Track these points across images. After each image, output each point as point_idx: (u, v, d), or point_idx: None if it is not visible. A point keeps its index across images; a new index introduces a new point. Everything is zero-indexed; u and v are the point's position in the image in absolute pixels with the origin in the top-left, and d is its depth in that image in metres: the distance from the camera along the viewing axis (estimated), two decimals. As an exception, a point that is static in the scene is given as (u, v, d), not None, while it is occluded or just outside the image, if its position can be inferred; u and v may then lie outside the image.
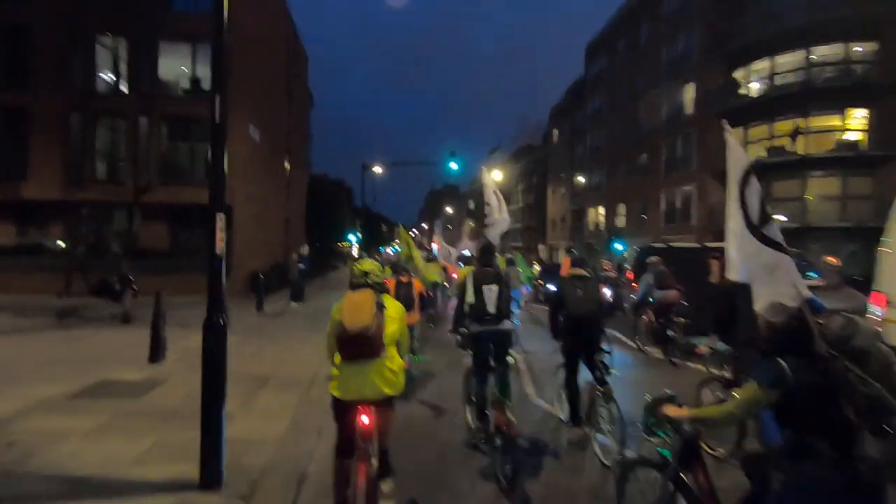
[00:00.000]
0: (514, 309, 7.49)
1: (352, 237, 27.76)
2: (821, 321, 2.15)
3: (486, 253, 5.04)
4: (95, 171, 17.61)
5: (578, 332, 4.67)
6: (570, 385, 4.73)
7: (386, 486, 3.36)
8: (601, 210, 38.41)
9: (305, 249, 16.16)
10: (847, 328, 2.04)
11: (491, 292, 4.54)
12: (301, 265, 15.67)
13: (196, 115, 17.65)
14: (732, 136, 3.18)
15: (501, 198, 7.23)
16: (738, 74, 24.66)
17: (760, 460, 2.26)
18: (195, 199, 18.17)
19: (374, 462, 3.03)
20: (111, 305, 11.52)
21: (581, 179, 43.21)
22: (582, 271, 4.95)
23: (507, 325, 4.65)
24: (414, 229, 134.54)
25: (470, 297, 4.58)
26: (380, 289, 3.26)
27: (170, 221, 18.46)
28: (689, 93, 27.33)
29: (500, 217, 7.05)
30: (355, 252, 41.00)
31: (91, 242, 17.63)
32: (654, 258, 9.65)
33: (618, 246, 27.08)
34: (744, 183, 2.89)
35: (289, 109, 25.62)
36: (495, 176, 46.02)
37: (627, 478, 2.91)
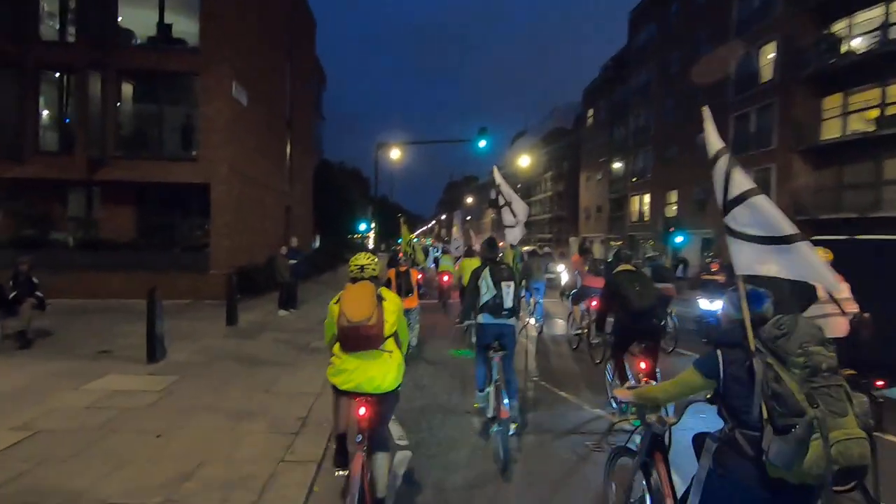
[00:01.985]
0: (539, 298, 10.00)
1: (362, 226, 24.23)
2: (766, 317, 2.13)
3: (494, 248, 5.17)
4: (39, 141, 13.97)
5: (636, 326, 4.89)
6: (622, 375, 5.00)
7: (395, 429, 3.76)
8: (646, 198, 33.89)
9: (296, 241, 12.37)
10: (783, 327, 1.98)
11: (510, 289, 4.77)
12: (292, 261, 11.88)
13: (164, 70, 13.98)
14: (710, 121, 2.62)
15: (514, 195, 6.33)
16: (838, 27, 19.98)
17: (702, 444, 2.27)
18: (163, 175, 14.74)
19: (384, 452, 3.10)
20: (5, 321, 7.85)
21: (620, 165, 38.68)
22: (631, 266, 5.18)
23: (513, 321, 4.84)
24: (433, 221, 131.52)
25: (488, 291, 4.78)
26: (377, 282, 3.30)
27: (135, 204, 14.81)
28: (768, 55, 22.71)
29: (521, 218, 6.16)
30: (371, 244, 37.45)
31: (31, 231, 14.01)
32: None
33: (678, 238, 22.67)
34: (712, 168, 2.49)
35: (291, 78, 21.80)
36: (522, 162, 41.87)
37: (613, 465, 3.10)
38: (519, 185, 73.54)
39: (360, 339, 2.95)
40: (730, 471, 2.04)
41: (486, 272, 4.84)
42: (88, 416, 4.99)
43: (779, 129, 21.87)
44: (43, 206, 14.45)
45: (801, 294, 4.17)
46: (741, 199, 2.30)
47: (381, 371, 3.03)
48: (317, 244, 31.06)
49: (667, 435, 2.75)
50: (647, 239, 34.09)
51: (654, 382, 4.43)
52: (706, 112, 2.72)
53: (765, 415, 1.89)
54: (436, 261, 16.54)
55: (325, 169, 33.17)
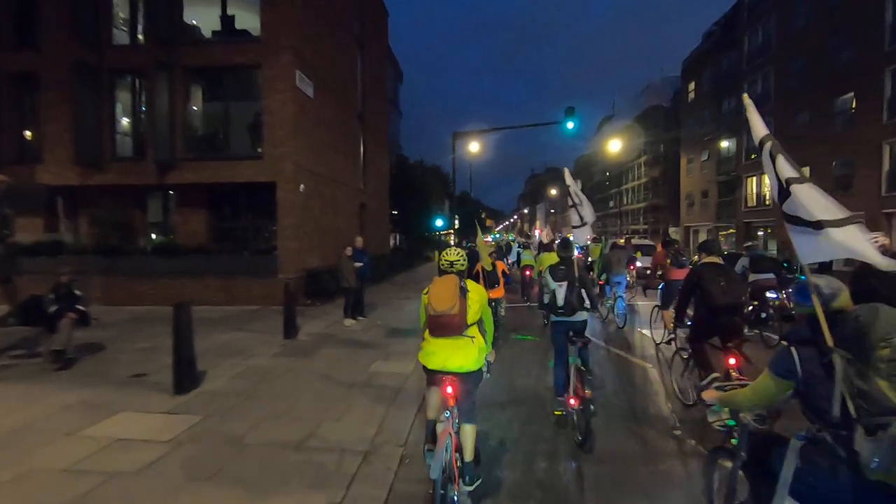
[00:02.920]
0: (620, 293, 10.08)
1: (439, 221, 22.85)
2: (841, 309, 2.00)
3: (562, 248, 5.25)
4: (116, 147, 13.90)
5: (716, 323, 4.69)
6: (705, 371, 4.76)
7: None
8: (765, 179, 28.96)
9: (360, 241, 10.95)
10: (860, 318, 1.86)
11: (562, 288, 4.88)
12: (358, 263, 10.49)
13: (228, 64, 13.28)
14: (753, 109, 2.53)
15: (584, 197, 6.08)
16: None
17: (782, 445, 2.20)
18: (231, 175, 14.13)
19: (465, 427, 3.33)
20: (45, 337, 7.13)
21: (730, 143, 33.76)
22: (717, 259, 4.98)
23: (580, 315, 4.91)
24: (515, 215, 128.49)
25: (548, 291, 4.99)
26: (463, 274, 3.51)
27: (207, 207, 14.37)
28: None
29: (588, 220, 5.97)
30: (453, 240, 36.06)
31: (114, 238, 13.99)
32: None
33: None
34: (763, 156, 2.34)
35: (363, 69, 20.77)
36: (611, 148, 38.19)
37: (712, 465, 2.98)
38: (608, 174, 68.69)
39: (444, 326, 3.25)
40: (821, 471, 1.94)
41: (547, 272, 5.06)
42: (61, 486, 3.69)
43: (963, 79, 17.00)
44: (124, 213, 14.45)
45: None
46: (797, 185, 2.16)
47: (464, 353, 3.29)
48: (395, 242, 30.26)
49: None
50: (767, 226, 29.23)
51: (747, 379, 4.04)
52: (748, 101, 2.65)
53: (853, 414, 1.78)
54: (518, 255, 16.03)
55: (403, 165, 32.21)
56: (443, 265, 3.53)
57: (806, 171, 25.44)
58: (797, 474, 1.99)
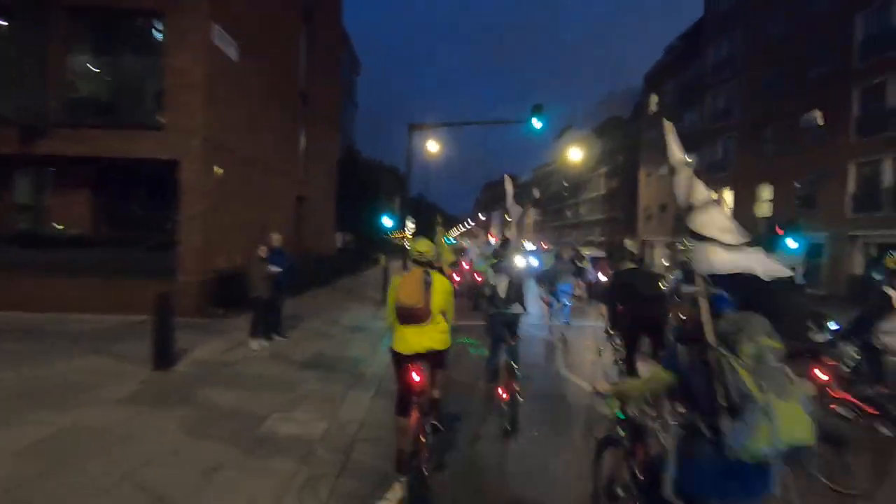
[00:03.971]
0: (565, 300, 11.04)
1: (387, 220, 20.64)
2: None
3: (502, 247, 6.65)
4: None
5: (640, 313, 5.24)
6: (630, 365, 5.35)
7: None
8: (727, 194, 28.57)
9: (278, 239, 8.49)
10: (739, 322, 2.16)
11: (501, 282, 5.51)
12: (274, 268, 8.04)
13: (124, 6, 10.52)
14: (672, 133, 2.78)
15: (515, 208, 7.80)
16: None
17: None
18: (123, 149, 10.23)
19: (429, 414, 3.76)
20: None
21: (690, 158, 33.38)
22: (632, 265, 5.65)
23: (517, 309, 5.51)
24: (469, 219, 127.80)
25: (490, 285, 5.68)
26: (431, 266, 3.90)
27: (92, 188, 11.40)
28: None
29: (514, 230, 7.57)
30: (408, 245, 33.67)
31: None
32: None
33: (790, 243, 17.54)
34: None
35: (308, 42, 18.19)
36: (570, 157, 37.10)
37: (600, 453, 3.25)
38: (565, 184, 68.42)
39: (411, 316, 3.64)
40: (695, 454, 2.18)
41: (489, 268, 5.99)
42: None
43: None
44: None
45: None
46: (704, 207, 2.50)
47: (430, 336, 3.70)
48: (340, 243, 27.57)
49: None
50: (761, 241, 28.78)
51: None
52: (668, 125, 2.87)
53: (721, 402, 2.04)
54: (470, 262, 16.80)
55: (354, 159, 29.59)
56: (412, 255, 3.94)
57: (768, 190, 25.04)
58: (676, 459, 2.26)
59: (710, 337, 2.17)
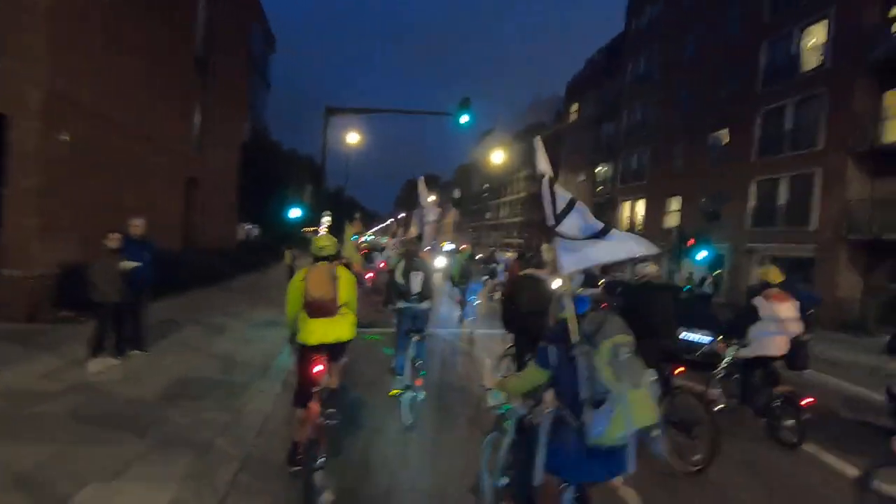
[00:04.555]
0: (470, 299, 11.25)
1: (295, 211, 18.59)
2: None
3: (415, 242, 6.64)
4: None
5: (525, 325, 5.21)
6: (520, 365, 5.38)
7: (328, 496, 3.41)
8: (639, 205, 29.67)
9: (139, 226, 6.52)
10: (599, 321, 2.45)
11: (417, 277, 5.69)
12: (131, 263, 6.10)
13: None
14: (541, 150, 3.29)
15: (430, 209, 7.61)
16: (915, 2, 16.12)
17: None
18: None
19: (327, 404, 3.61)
20: None
21: (607, 166, 34.53)
22: (534, 271, 5.58)
23: (426, 304, 5.75)
24: (391, 218, 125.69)
25: (399, 280, 5.74)
26: (334, 260, 3.99)
27: None
28: (817, 37, 18.67)
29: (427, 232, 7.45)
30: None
31: None
32: None
33: (700, 254, 18.15)
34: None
35: (209, 4, 15.68)
36: (492, 160, 36.85)
37: (490, 441, 3.47)
38: (486, 186, 68.95)
39: (321, 308, 3.73)
40: (562, 441, 2.45)
41: (401, 264, 5.84)
42: None
43: (828, 127, 17.80)
44: None
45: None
46: (569, 208, 2.87)
47: (339, 327, 3.84)
48: (245, 236, 24.77)
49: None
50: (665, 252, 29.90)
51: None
52: (538, 142, 3.38)
53: (584, 394, 2.31)
54: (384, 260, 16.38)
55: (262, 142, 26.75)
56: (314, 251, 4.00)
57: (677, 202, 26.28)
58: (548, 447, 2.51)
59: (575, 336, 2.51)
